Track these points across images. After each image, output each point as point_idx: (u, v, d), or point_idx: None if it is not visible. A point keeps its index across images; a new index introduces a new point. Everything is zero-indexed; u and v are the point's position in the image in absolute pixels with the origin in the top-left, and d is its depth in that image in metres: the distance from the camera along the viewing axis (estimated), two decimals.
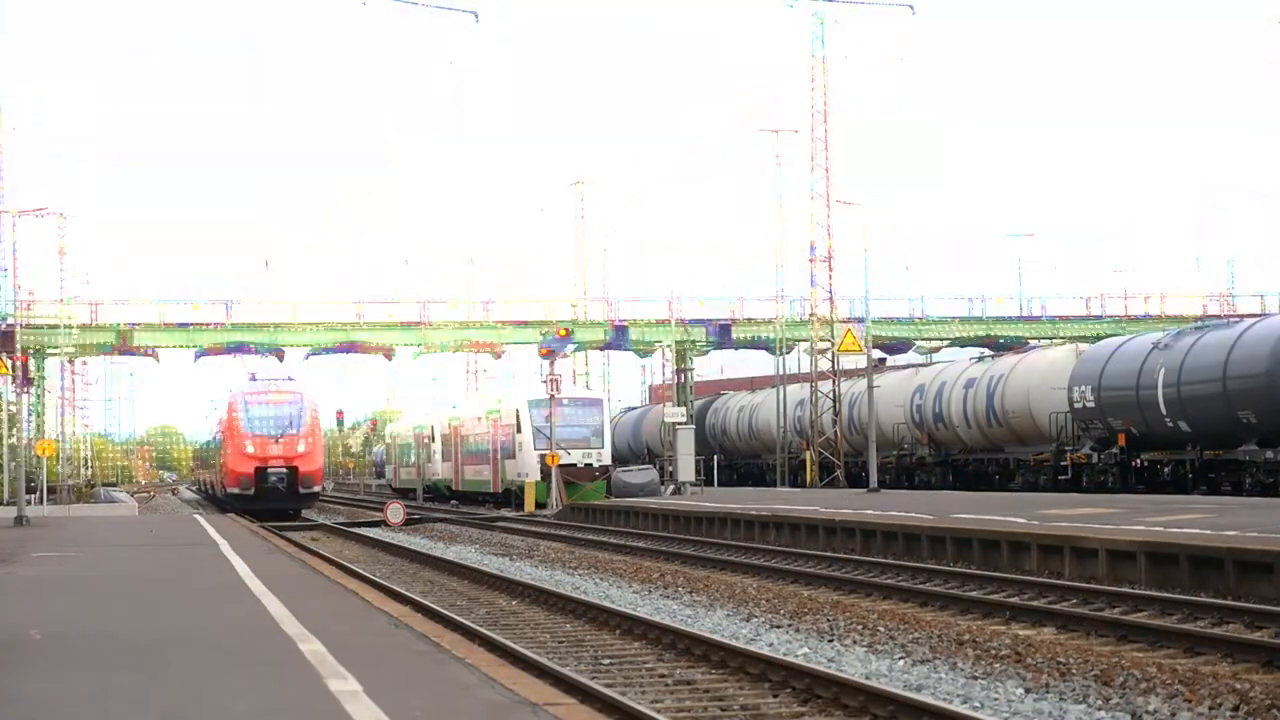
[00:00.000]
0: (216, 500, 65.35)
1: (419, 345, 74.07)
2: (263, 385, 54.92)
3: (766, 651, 14.70)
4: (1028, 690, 13.07)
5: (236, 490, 52.41)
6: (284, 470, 51.77)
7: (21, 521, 40.85)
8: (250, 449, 51.92)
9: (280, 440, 52.12)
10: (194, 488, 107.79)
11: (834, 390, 58.51)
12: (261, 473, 51.81)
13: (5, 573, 22.43)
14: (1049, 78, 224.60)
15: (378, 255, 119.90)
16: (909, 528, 27.30)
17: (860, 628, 17.40)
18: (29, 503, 47.92)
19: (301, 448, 52.25)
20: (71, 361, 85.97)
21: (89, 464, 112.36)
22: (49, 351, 72.33)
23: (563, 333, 52.26)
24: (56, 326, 67.86)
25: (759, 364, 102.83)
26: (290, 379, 57.06)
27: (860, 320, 52.05)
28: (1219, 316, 68.29)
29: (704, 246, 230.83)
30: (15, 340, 45.67)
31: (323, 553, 31.29)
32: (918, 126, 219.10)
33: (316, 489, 54.25)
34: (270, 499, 51.65)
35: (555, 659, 14.73)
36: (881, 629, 17.22)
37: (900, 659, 15.01)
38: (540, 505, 51.22)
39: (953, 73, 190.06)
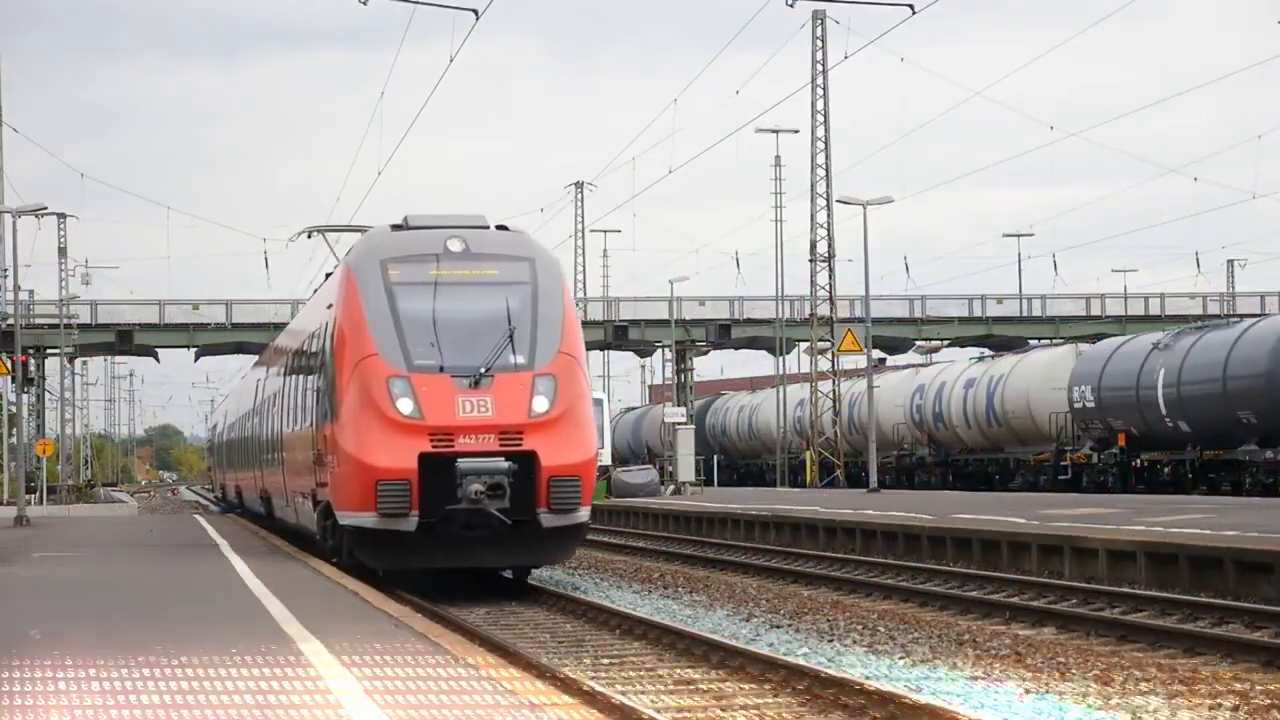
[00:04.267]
0: (294, 535, 29.06)
1: None
2: (432, 235, 21.81)
3: (766, 651, 14.70)
4: (1028, 690, 13.08)
5: (368, 519, 20.23)
6: (500, 465, 20.11)
7: (22, 521, 40.85)
8: (405, 408, 20.20)
9: (487, 383, 20.41)
10: (219, 499, 63.20)
11: (834, 390, 58.50)
12: (438, 469, 20.05)
13: (5, 573, 22.43)
14: (1048, 76, 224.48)
15: None
16: (909, 528, 27.29)
17: (860, 628, 17.40)
18: (29, 503, 47.93)
19: (543, 404, 20.46)
20: (71, 361, 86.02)
21: (89, 464, 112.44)
22: (49, 351, 72.39)
23: None
24: (56, 326, 67.87)
25: (759, 364, 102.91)
26: (499, 225, 22.53)
27: (860, 320, 52.01)
28: (1219, 316, 68.30)
29: (704, 247, 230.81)
30: (15, 340, 45.58)
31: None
32: (917, 126, 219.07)
33: (583, 515, 20.79)
34: (464, 543, 20.42)
35: (555, 659, 14.72)
36: (881, 629, 17.23)
37: (900, 659, 15.01)
38: None
39: (953, 72, 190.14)
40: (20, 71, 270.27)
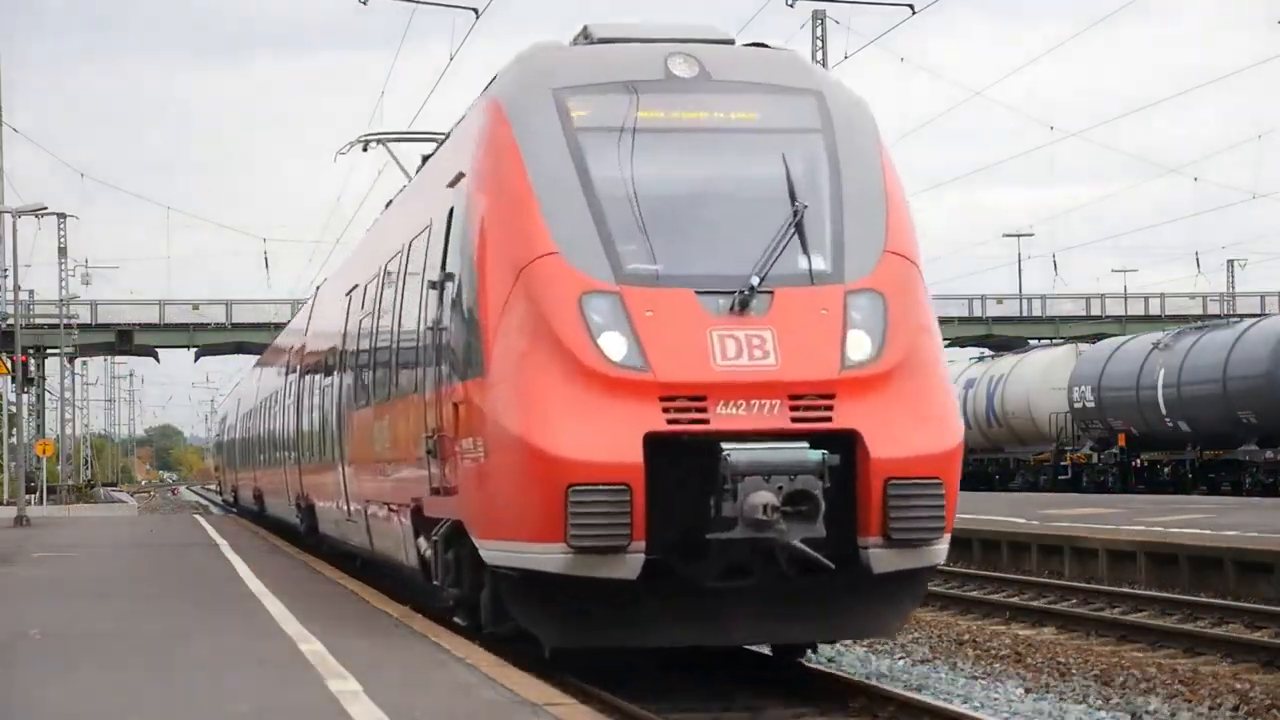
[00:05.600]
0: (402, 583, 16.71)
1: None
2: (642, 51, 12.40)
3: (767, 651, 14.68)
4: (1028, 690, 13.08)
5: (550, 557, 10.83)
6: (807, 457, 10.59)
7: (22, 521, 40.85)
8: (616, 350, 10.92)
9: (762, 307, 11.21)
10: (229, 502, 53.88)
11: None
12: (682, 464, 10.74)
13: (5, 572, 22.42)
14: (1048, 76, 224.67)
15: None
16: None
17: None
18: (29, 503, 47.93)
19: (865, 346, 11.14)
20: (71, 361, 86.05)
21: (89, 464, 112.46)
22: (49, 351, 72.42)
23: None
24: (56, 326, 67.89)
25: None
26: (757, 42, 13.32)
27: None
28: (1219, 316, 68.32)
29: None
30: (15, 340, 45.59)
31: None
32: (917, 126, 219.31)
33: (939, 551, 11.13)
34: (725, 601, 11.13)
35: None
36: None
37: (900, 659, 15.01)
38: None
39: (953, 72, 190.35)
40: (22, 72, 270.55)
